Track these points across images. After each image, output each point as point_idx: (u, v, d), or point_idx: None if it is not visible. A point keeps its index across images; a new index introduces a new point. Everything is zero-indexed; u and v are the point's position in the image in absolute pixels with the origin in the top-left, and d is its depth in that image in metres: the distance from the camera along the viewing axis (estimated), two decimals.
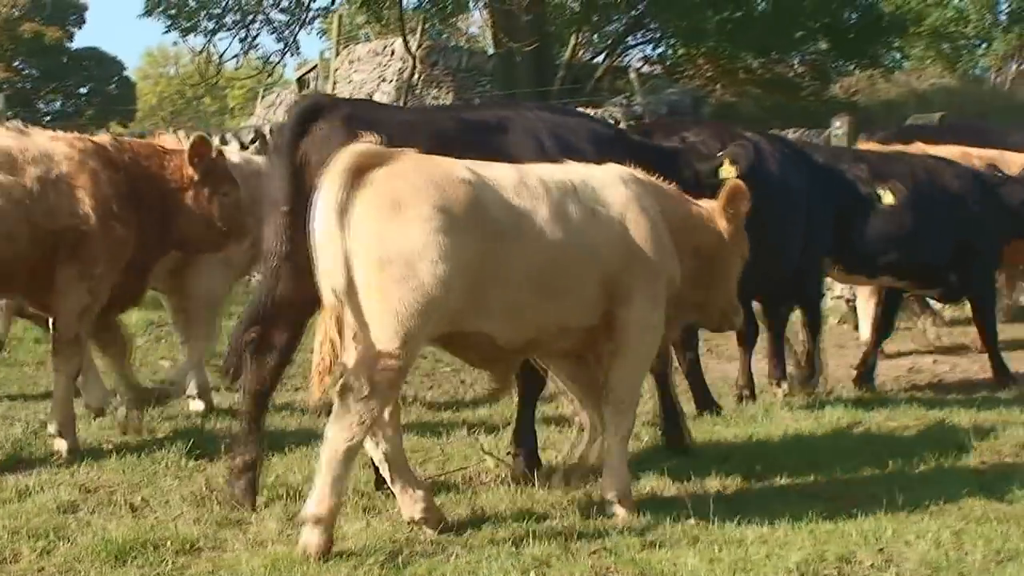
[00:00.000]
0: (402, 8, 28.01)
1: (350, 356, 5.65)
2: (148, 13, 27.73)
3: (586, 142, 7.19)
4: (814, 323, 10.24)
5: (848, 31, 30.84)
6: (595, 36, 32.58)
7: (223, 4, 28.27)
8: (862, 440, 7.67)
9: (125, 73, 57.13)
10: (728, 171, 7.53)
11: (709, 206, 6.69)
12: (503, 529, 6.02)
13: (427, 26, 30.63)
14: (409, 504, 6.11)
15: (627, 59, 32.11)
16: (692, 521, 6.07)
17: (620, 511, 6.28)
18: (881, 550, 5.74)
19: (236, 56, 30.21)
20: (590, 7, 29.84)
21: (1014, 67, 35.42)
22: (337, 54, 32.26)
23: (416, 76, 29.28)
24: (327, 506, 5.62)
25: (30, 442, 8.04)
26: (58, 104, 52.64)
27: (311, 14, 29.39)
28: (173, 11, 27.98)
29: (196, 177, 8.25)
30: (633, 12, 30.50)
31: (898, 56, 35.95)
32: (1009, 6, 36.97)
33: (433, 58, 30.73)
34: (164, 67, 66.31)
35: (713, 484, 6.79)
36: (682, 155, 7.92)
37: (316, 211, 5.68)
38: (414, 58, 28.10)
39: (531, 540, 5.79)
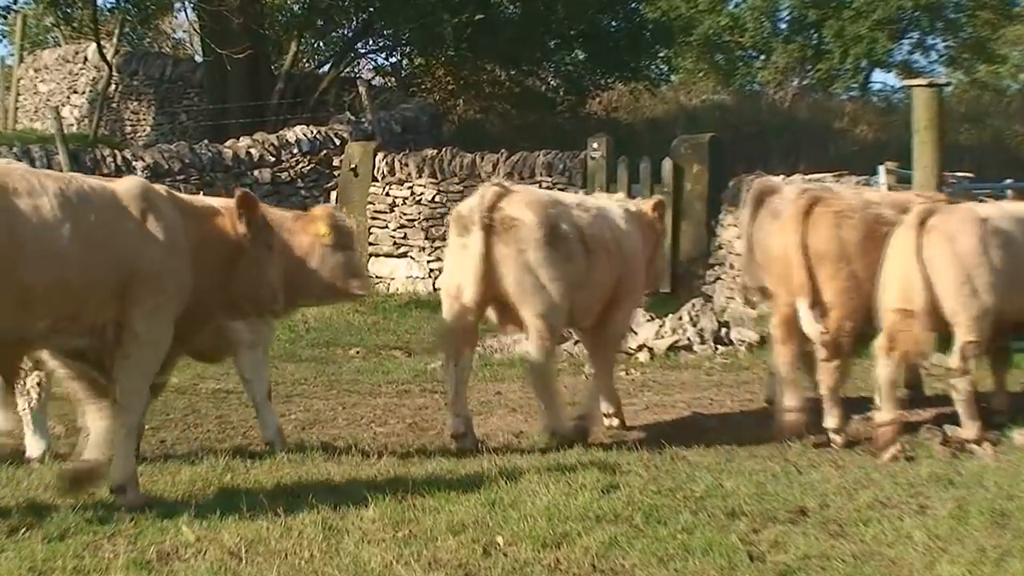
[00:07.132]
0: (96, 8, 26.67)
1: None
2: None
3: None
4: None
5: (608, 40, 30.01)
6: (320, 43, 31.46)
7: None
8: (622, 506, 7.38)
9: None
10: None
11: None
12: None
13: (125, 30, 30.02)
14: None
15: (356, 70, 31.07)
16: None
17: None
18: None
19: None
20: (313, 10, 28.33)
21: (795, 82, 34.98)
22: (21, 60, 31.97)
23: (112, 87, 28.42)
24: None
25: None
26: None
27: None
28: None
29: None
30: (362, 16, 28.96)
31: (665, 69, 35.31)
32: (790, 14, 36.65)
33: (132, 66, 29.91)
34: None
35: (446, 558, 6.54)
36: None
37: None
38: (110, 66, 27.13)
39: None
